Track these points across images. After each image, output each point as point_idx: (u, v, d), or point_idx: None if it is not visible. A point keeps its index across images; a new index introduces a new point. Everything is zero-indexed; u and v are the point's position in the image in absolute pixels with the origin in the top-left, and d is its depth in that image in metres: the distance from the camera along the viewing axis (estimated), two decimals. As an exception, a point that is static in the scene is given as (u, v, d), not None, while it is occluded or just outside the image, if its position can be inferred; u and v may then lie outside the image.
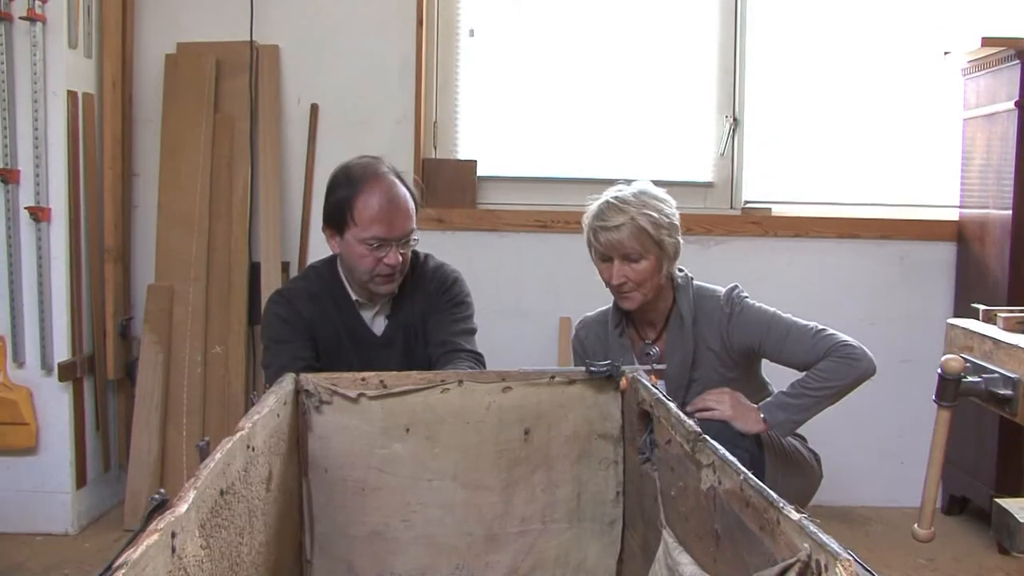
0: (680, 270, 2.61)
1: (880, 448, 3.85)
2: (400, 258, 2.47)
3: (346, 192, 2.48)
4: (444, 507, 2.17)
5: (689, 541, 1.64)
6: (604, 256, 2.51)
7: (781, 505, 1.24)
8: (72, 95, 3.39)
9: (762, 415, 2.44)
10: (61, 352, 3.37)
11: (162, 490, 1.33)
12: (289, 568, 2.02)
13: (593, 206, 2.54)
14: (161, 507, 1.18)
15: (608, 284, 2.56)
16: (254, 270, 3.70)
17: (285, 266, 3.75)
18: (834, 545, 1.10)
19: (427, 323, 2.60)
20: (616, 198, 2.50)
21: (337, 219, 2.49)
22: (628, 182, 2.59)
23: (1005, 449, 3.37)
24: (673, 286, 2.59)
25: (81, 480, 3.47)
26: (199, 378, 3.60)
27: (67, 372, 3.37)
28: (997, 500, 1.73)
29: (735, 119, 3.91)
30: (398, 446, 2.15)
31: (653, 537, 1.89)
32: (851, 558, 1.06)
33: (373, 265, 2.46)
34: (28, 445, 3.34)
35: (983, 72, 3.56)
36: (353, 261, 2.50)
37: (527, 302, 3.82)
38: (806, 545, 1.14)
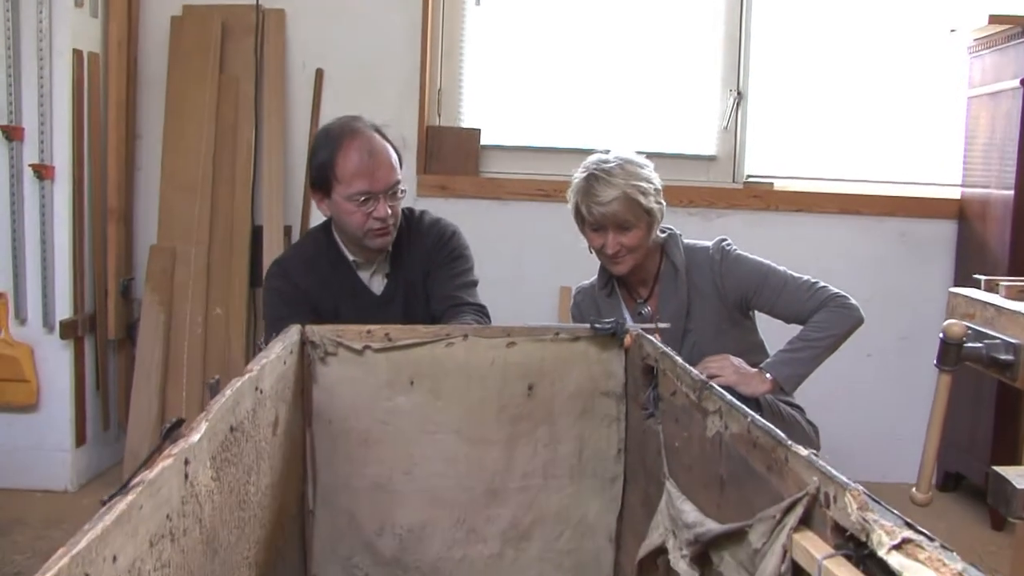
0: (665, 229, 2.64)
1: (876, 424, 3.86)
2: (389, 210, 2.45)
3: (326, 152, 2.47)
4: (446, 461, 2.18)
5: (693, 490, 1.65)
6: (596, 226, 2.54)
7: (789, 443, 1.25)
8: (78, 54, 3.39)
9: (767, 374, 2.46)
10: (63, 310, 3.38)
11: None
12: (292, 517, 2.03)
13: (579, 180, 2.55)
14: (177, 426, 1.19)
15: (599, 252, 2.59)
16: (256, 233, 3.70)
17: (287, 230, 3.76)
18: (843, 477, 1.11)
19: (427, 279, 2.60)
20: (603, 171, 2.51)
21: (322, 181, 2.48)
22: (605, 151, 2.60)
23: (1000, 426, 3.39)
24: (661, 242, 2.63)
25: (81, 438, 3.48)
26: (199, 339, 3.60)
27: (68, 330, 3.38)
28: (995, 468, 1.74)
29: (739, 93, 3.91)
30: (402, 399, 2.15)
31: (654, 492, 1.90)
32: (860, 489, 1.07)
33: (363, 221, 2.45)
34: (29, 402, 3.36)
35: (989, 50, 3.56)
36: (344, 220, 2.49)
37: (528, 270, 3.83)
38: (815, 479, 1.16)
